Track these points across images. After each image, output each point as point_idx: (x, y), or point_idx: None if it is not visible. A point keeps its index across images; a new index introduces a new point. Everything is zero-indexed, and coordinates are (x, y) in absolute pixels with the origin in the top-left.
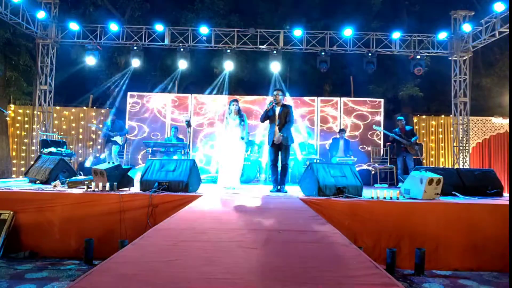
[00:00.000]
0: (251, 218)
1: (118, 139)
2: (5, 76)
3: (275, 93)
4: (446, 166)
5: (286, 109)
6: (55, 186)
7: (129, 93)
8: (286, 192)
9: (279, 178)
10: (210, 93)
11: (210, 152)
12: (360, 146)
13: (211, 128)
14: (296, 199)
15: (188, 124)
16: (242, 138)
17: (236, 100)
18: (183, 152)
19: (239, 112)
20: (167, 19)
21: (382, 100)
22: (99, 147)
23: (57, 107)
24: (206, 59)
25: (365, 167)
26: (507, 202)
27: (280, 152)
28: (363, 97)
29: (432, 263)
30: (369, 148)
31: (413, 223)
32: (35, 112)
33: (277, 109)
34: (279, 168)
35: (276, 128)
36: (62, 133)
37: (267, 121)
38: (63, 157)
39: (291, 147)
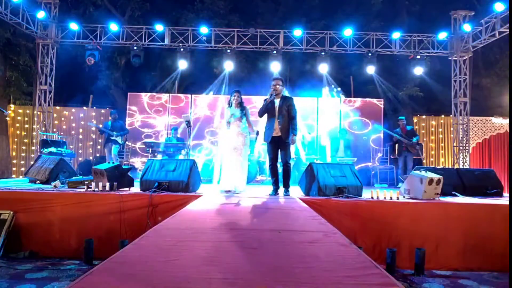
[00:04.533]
0: (251, 218)
1: (118, 138)
2: (5, 76)
3: (273, 83)
4: (446, 166)
5: (288, 102)
6: (55, 186)
7: (129, 93)
8: (288, 195)
9: (282, 180)
10: (210, 93)
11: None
12: (360, 147)
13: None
14: (296, 199)
15: (188, 124)
16: (252, 134)
17: (238, 91)
18: (183, 152)
19: (240, 105)
20: (167, 19)
21: (382, 100)
22: (99, 147)
23: (57, 107)
24: (206, 59)
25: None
26: (507, 202)
27: (280, 150)
28: (363, 97)
29: (432, 263)
30: (370, 148)
31: (413, 223)
32: (35, 112)
33: (277, 102)
34: (278, 168)
35: (276, 123)
36: (62, 133)
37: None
38: (63, 157)
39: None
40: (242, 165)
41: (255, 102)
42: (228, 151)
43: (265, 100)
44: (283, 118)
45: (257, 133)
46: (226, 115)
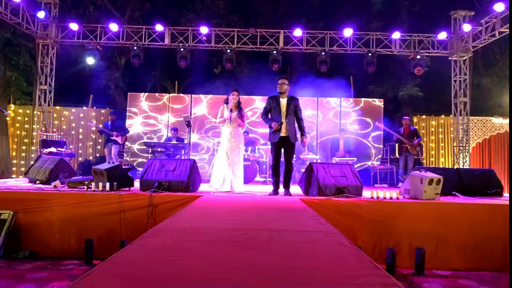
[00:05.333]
0: (251, 218)
1: (118, 139)
2: (5, 76)
3: (280, 81)
4: (446, 166)
5: (294, 102)
6: (55, 186)
7: (129, 93)
8: (289, 195)
9: (284, 180)
10: (210, 93)
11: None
12: (361, 147)
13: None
14: (296, 199)
15: (188, 124)
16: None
17: (237, 90)
18: (183, 152)
19: (238, 105)
20: (167, 19)
21: (382, 100)
22: (99, 147)
23: (57, 107)
24: (206, 59)
25: (368, 164)
26: (507, 202)
27: (284, 150)
28: (363, 97)
29: (432, 263)
30: (370, 148)
31: (413, 223)
32: (35, 112)
33: (283, 101)
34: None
35: (284, 123)
36: (62, 133)
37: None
38: (63, 157)
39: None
40: (238, 165)
41: (255, 102)
42: (223, 151)
43: (268, 98)
44: (291, 117)
45: (252, 142)
46: (223, 113)
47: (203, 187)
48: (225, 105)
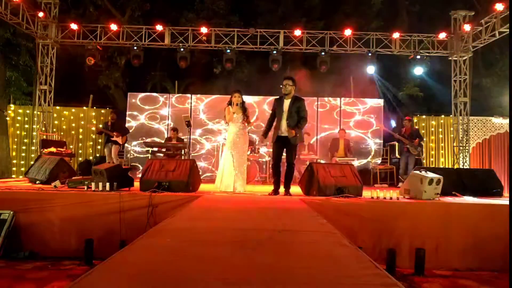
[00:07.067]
0: (251, 218)
1: (118, 139)
2: (5, 76)
3: (283, 82)
4: (446, 166)
5: (298, 102)
6: (55, 186)
7: (129, 93)
8: (290, 195)
9: (284, 180)
10: (210, 93)
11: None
12: (361, 146)
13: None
14: (296, 199)
15: (188, 124)
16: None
17: (239, 91)
18: (183, 152)
19: (242, 105)
20: (167, 19)
21: (382, 100)
22: (99, 147)
23: (57, 107)
24: (206, 59)
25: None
26: (507, 202)
27: (286, 150)
28: (363, 97)
29: (432, 263)
30: (370, 148)
31: (413, 223)
32: (35, 112)
33: (287, 102)
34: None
35: (284, 124)
36: (62, 133)
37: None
38: (63, 157)
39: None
40: (242, 165)
41: (254, 102)
42: (228, 151)
43: (274, 99)
44: (292, 119)
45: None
46: (227, 115)
47: (203, 187)
48: (229, 106)
